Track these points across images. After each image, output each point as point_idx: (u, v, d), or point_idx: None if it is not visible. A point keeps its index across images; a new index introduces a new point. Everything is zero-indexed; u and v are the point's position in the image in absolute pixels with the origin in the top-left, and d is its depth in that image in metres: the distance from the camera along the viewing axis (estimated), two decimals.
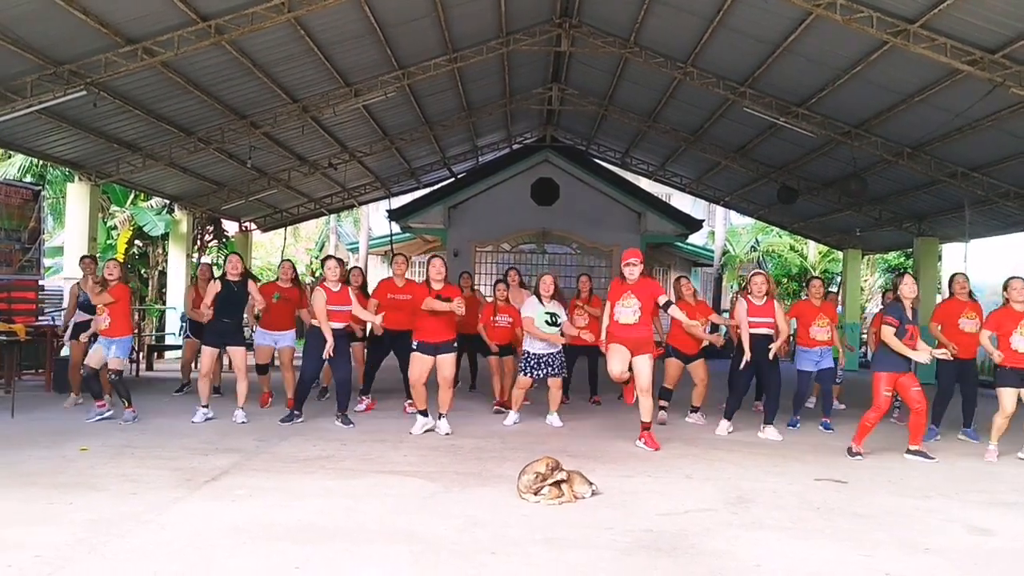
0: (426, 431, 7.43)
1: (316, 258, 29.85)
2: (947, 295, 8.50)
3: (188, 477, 5.44)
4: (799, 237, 24.64)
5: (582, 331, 8.05)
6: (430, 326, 7.38)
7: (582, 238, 19.39)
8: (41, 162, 15.86)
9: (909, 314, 6.77)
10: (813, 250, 26.12)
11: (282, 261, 10.31)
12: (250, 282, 8.07)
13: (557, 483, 4.99)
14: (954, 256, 16.36)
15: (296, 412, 7.86)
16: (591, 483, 5.16)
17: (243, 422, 7.76)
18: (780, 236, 26.17)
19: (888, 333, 6.71)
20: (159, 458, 6.06)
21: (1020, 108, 9.85)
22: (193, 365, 10.05)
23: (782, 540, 4.37)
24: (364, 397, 8.99)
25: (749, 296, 7.98)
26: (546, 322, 7.97)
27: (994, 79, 9.05)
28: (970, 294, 8.15)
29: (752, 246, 28.23)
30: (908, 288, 6.81)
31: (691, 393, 8.74)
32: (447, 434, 7.34)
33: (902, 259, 23.73)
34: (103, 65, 9.66)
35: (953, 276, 8.50)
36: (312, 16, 10.01)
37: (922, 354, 6.71)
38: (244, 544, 4.04)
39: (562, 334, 8.10)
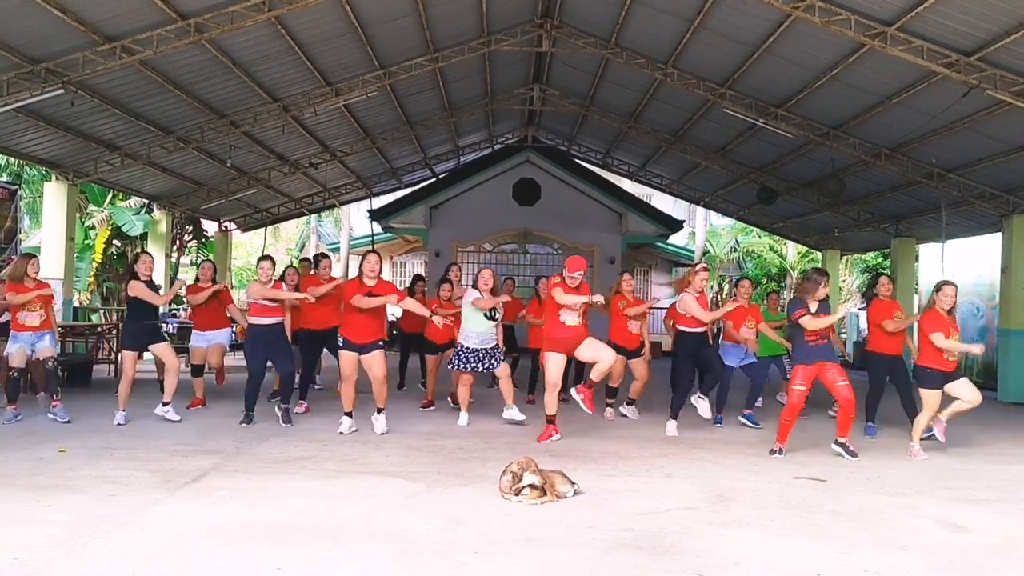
0: (352, 431, 7.35)
1: (296, 258, 29.70)
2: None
3: (168, 479, 5.40)
4: (778, 237, 24.81)
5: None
6: (355, 324, 7.32)
7: (563, 238, 19.42)
8: (18, 161, 15.68)
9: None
10: (792, 250, 26.28)
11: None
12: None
13: (537, 484, 5.01)
14: (931, 256, 16.54)
15: (249, 413, 7.71)
16: (572, 482, 5.17)
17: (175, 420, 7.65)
18: (760, 236, 26.34)
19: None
20: (138, 460, 6.01)
21: (995, 110, 9.99)
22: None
23: (761, 538, 4.40)
24: (302, 400, 8.69)
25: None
26: (484, 316, 7.90)
27: (969, 81, 9.17)
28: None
29: (732, 246, 28.39)
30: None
31: (631, 386, 8.74)
32: (382, 433, 7.29)
33: (880, 259, 23.94)
34: (81, 63, 9.58)
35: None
36: (292, 15, 9.96)
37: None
38: (224, 545, 4.02)
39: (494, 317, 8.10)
